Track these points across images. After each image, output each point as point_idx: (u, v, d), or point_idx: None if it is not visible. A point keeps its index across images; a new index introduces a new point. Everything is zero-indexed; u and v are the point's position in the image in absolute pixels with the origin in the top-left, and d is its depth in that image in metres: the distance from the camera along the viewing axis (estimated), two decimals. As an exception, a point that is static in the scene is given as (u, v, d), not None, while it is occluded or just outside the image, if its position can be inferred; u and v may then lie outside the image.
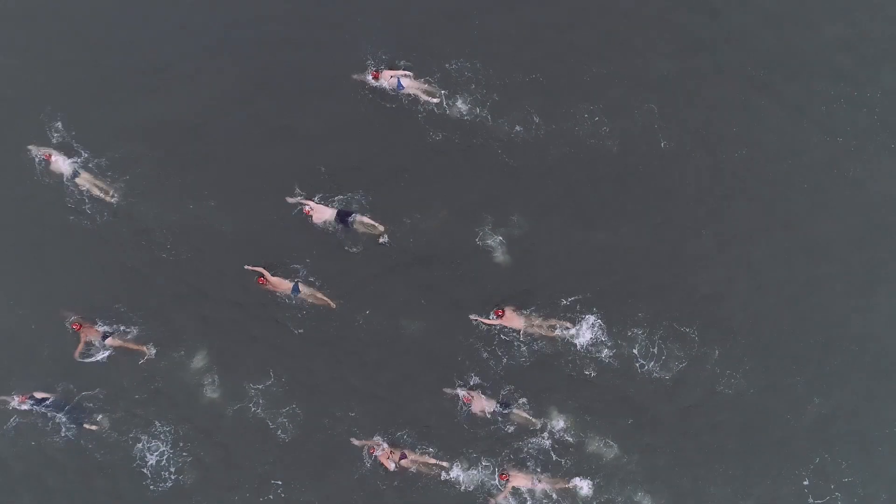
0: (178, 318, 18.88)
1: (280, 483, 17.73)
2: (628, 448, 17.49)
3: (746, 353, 17.97)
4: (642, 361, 17.90)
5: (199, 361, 18.62)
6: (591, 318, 18.18)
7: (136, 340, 18.71)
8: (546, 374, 17.96)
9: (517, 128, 19.66)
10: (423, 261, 18.93)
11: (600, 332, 18.07)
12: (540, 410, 17.76)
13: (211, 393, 18.38)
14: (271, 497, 17.66)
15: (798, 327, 18.09)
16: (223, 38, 21.17)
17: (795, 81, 19.79)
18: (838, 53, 19.93)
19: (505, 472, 17.21)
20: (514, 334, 18.18)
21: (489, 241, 19.00)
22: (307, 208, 19.12)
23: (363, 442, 17.75)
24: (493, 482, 17.31)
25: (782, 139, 19.37)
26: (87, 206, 19.77)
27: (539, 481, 17.23)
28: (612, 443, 17.55)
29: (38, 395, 18.25)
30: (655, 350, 17.96)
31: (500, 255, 18.93)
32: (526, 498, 17.22)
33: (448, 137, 19.72)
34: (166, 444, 17.98)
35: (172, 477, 17.81)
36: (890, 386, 17.68)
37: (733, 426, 17.62)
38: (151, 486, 17.77)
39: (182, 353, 18.63)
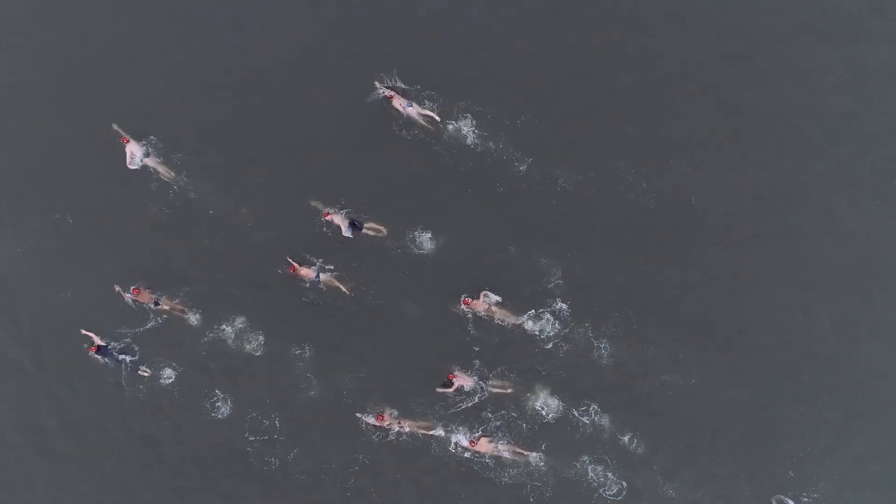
0: (217, 293, 22.56)
1: (277, 418, 21.35)
2: (596, 426, 20.33)
3: (701, 348, 20.83)
4: (605, 349, 20.99)
5: (234, 326, 22.24)
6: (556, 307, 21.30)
7: (182, 306, 22.49)
8: (515, 355, 21.05)
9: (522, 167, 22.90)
10: (417, 258, 22.38)
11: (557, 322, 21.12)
12: (512, 384, 20.86)
13: (241, 349, 21.97)
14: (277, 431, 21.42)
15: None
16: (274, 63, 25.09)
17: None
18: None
19: (474, 440, 20.20)
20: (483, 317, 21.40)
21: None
22: (327, 213, 22.58)
23: (370, 411, 21.01)
24: (464, 446, 20.35)
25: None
26: (153, 185, 23.74)
27: (501, 450, 20.18)
28: (576, 416, 20.49)
29: (106, 343, 22.15)
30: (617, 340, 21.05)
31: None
32: (489, 463, 20.21)
33: (456, 159, 23.08)
34: (205, 386, 21.77)
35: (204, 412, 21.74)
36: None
37: (702, 418, 20.37)
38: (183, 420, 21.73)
39: (220, 321, 22.26)
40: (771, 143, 22.80)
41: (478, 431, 20.48)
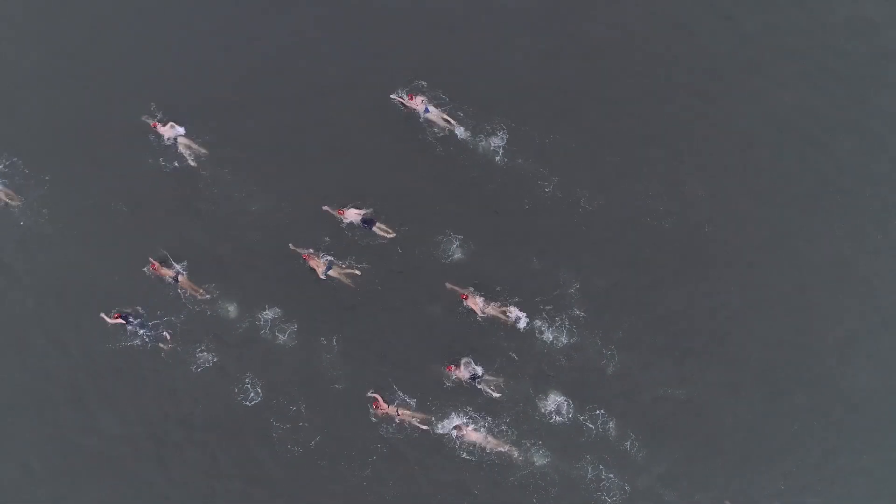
0: (232, 273, 23.94)
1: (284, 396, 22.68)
2: (578, 426, 21.67)
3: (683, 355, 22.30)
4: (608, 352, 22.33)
5: (268, 316, 23.50)
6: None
7: (198, 283, 23.84)
8: (526, 358, 22.34)
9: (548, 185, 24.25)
10: (416, 261, 23.78)
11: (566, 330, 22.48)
12: (505, 383, 22.12)
13: (274, 338, 23.23)
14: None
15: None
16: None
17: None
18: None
19: (461, 426, 21.48)
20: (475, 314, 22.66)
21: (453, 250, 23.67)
22: (340, 211, 23.98)
23: (373, 394, 22.19)
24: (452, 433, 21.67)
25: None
26: (178, 165, 25.25)
27: (488, 441, 21.47)
28: (563, 415, 21.77)
29: (127, 314, 23.44)
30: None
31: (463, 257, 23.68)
32: (475, 451, 21.47)
33: (466, 165, 24.55)
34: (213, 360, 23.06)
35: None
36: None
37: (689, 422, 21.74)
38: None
39: (233, 299, 23.64)
40: (783, 175, 24.09)
41: (470, 423, 21.69)
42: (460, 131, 24.74)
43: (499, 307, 22.68)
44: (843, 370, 22.03)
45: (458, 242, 23.69)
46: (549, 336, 22.44)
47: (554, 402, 21.89)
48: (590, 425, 21.65)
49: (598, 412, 21.71)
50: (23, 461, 22.75)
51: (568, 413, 21.74)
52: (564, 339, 22.41)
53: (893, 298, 22.69)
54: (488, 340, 22.58)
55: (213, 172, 25.23)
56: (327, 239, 23.91)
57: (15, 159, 25.75)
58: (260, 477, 22.02)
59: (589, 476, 21.22)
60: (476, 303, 22.63)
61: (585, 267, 23.18)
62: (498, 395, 22.00)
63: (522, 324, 22.50)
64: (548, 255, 23.42)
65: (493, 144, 24.62)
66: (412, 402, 22.09)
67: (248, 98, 26.16)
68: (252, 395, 22.67)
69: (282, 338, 23.20)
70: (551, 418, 21.81)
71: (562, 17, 26.50)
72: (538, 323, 22.56)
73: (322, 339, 23.06)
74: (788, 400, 21.82)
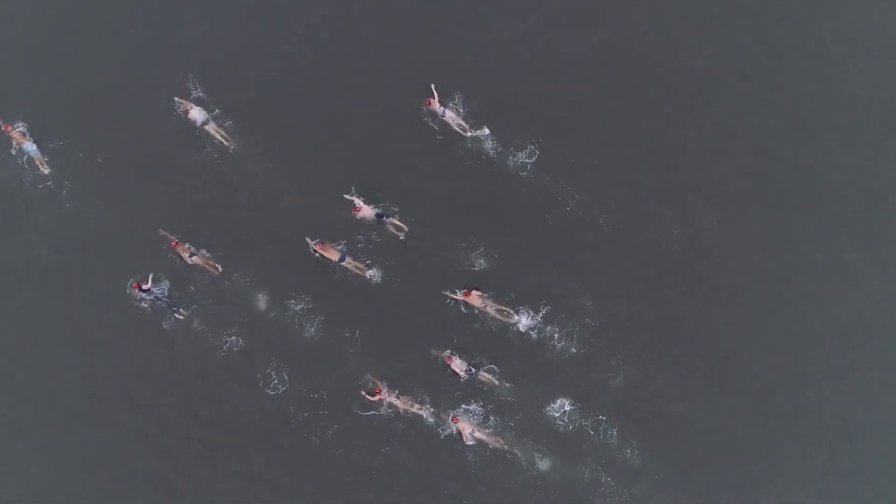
0: (244, 253, 25.09)
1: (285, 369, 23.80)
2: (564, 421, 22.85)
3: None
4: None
5: (298, 306, 24.51)
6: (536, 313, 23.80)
7: (212, 261, 24.89)
8: (505, 350, 23.58)
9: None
10: (424, 256, 24.96)
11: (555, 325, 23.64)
12: (498, 376, 23.30)
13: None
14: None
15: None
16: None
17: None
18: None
19: (456, 416, 22.65)
20: (474, 311, 23.84)
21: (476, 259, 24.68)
22: (356, 206, 24.81)
23: (373, 378, 23.32)
24: (448, 422, 22.82)
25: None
26: (208, 147, 26.31)
27: (478, 432, 22.62)
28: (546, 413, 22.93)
29: (147, 286, 24.37)
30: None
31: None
32: (478, 450, 22.62)
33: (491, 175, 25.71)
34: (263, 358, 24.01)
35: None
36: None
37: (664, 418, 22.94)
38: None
39: (245, 277, 24.81)
40: (792, 212, 25.23)
41: (464, 413, 22.89)
42: (476, 135, 25.81)
43: (497, 307, 23.81)
44: (839, 397, 23.07)
45: (481, 249, 24.67)
46: (558, 343, 23.50)
47: (558, 405, 22.96)
48: (591, 431, 22.75)
49: (600, 418, 22.83)
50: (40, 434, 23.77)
51: (572, 418, 22.81)
52: (573, 349, 23.47)
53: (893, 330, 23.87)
54: (499, 342, 23.66)
55: (239, 156, 26.28)
56: (360, 237, 24.99)
57: (51, 128, 26.91)
58: (277, 462, 23.02)
59: (586, 479, 22.35)
60: (476, 300, 23.78)
61: (599, 282, 24.28)
62: (498, 384, 23.15)
63: (522, 325, 23.68)
64: (563, 268, 24.49)
65: (520, 159, 25.67)
66: (426, 397, 23.18)
67: (282, 90, 27.31)
68: (276, 382, 23.62)
69: (309, 327, 24.18)
70: (554, 422, 22.87)
71: (604, 43, 27.56)
72: (549, 329, 23.62)
73: (347, 332, 24.02)
74: (785, 421, 22.90)
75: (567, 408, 22.95)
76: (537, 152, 25.71)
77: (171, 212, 25.63)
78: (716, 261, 24.65)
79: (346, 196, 25.09)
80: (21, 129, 26.78)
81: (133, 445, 23.36)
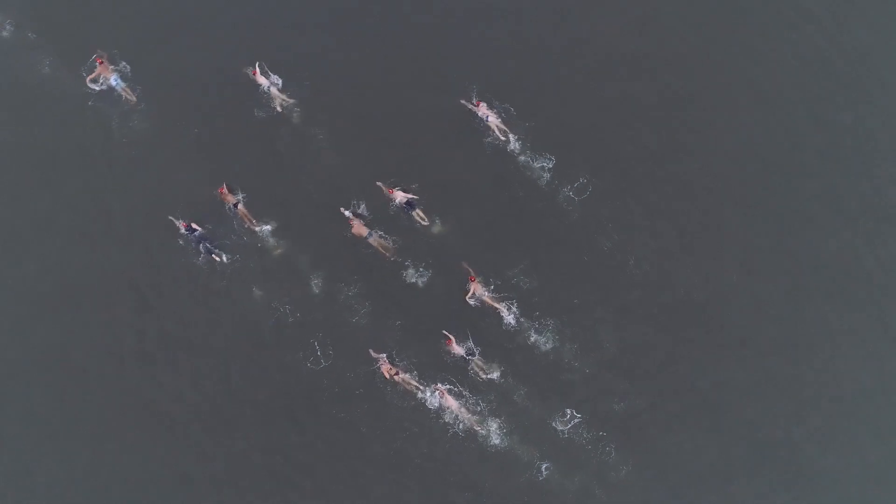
0: (283, 215, 26.96)
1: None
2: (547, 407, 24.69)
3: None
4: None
5: (350, 290, 26.23)
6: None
7: (252, 214, 26.71)
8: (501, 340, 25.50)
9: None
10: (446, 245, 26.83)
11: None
12: (489, 362, 25.08)
13: (347, 310, 26.03)
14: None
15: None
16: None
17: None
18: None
19: (443, 391, 24.38)
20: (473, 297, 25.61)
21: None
22: (391, 190, 26.56)
23: (377, 354, 25.08)
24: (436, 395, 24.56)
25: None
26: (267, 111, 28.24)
27: (463, 409, 24.37)
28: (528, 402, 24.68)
29: (194, 225, 26.22)
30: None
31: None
32: (454, 414, 24.45)
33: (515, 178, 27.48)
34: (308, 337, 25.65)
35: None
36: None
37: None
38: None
39: (280, 236, 26.63)
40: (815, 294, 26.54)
41: (450, 388, 24.71)
42: (513, 141, 27.61)
43: (494, 300, 25.80)
44: (823, 428, 24.65)
45: (522, 266, 26.33)
46: (575, 363, 25.25)
47: (565, 415, 24.64)
48: (589, 446, 24.37)
49: (601, 435, 24.43)
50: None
51: (575, 429, 24.41)
52: (587, 369, 25.16)
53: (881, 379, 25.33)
54: (512, 343, 25.60)
55: (296, 124, 28.25)
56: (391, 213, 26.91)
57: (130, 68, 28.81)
58: (305, 439, 24.88)
59: (577, 487, 24.03)
60: (478, 288, 25.78)
61: (616, 316, 25.97)
62: (486, 376, 25.09)
63: (510, 319, 25.71)
64: (585, 289, 26.24)
65: (569, 189, 27.22)
66: (448, 379, 24.96)
67: (345, 69, 29.22)
68: (316, 358, 25.39)
69: (356, 310, 25.96)
70: (556, 430, 24.49)
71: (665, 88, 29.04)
72: (567, 346, 25.38)
73: (390, 321, 25.88)
74: (768, 462, 24.40)
75: (574, 420, 24.50)
76: (590, 188, 27.09)
77: (226, 164, 27.61)
78: (730, 319, 26.03)
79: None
80: (110, 62, 28.39)
81: (163, 401, 25.12)
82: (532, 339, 25.47)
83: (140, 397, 25.09)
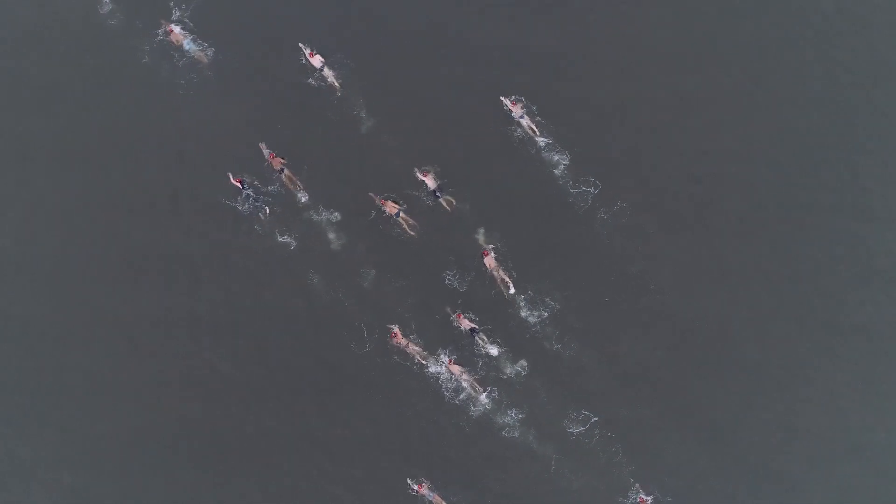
0: (320, 187, 29.40)
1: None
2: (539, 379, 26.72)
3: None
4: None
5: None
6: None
7: (296, 179, 29.12)
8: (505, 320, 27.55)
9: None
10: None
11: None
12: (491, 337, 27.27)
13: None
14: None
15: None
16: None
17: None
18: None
19: (452, 359, 26.61)
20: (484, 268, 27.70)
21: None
22: (425, 173, 28.84)
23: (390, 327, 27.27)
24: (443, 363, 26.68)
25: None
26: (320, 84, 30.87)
27: (466, 376, 26.48)
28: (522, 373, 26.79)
29: (247, 181, 28.98)
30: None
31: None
32: (455, 380, 26.52)
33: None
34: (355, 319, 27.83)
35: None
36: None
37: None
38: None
39: (318, 203, 29.14)
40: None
41: (455, 357, 26.81)
42: (541, 141, 29.42)
43: (504, 275, 27.59)
44: (813, 460, 26.30)
45: (553, 295, 27.91)
46: (597, 369, 27.13)
47: (579, 416, 26.47)
48: (599, 449, 26.32)
49: (609, 435, 26.36)
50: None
51: (588, 430, 26.37)
52: (613, 379, 26.93)
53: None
54: (537, 346, 27.43)
55: (344, 97, 30.54)
56: (428, 202, 29.07)
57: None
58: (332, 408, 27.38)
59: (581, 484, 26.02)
60: (491, 262, 27.71)
61: (635, 335, 27.79)
62: (493, 352, 27.04)
63: (511, 290, 27.60)
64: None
65: (603, 214, 28.79)
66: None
67: (397, 55, 31.34)
68: (362, 338, 27.48)
69: (403, 299, 28.08)
70: (568, 428, 26.42)
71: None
72: (586, 356, 27.20)
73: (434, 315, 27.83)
74: (770, 468, 26.41)
75: (590, 420, 26.28)
76: (628, 210, 28.69)
77: (278, 128, 30.26)
78: (748, 339, 27.68)
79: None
80: (179, 28, 31.11)
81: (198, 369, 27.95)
82: (550, 343, 27.32)
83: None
